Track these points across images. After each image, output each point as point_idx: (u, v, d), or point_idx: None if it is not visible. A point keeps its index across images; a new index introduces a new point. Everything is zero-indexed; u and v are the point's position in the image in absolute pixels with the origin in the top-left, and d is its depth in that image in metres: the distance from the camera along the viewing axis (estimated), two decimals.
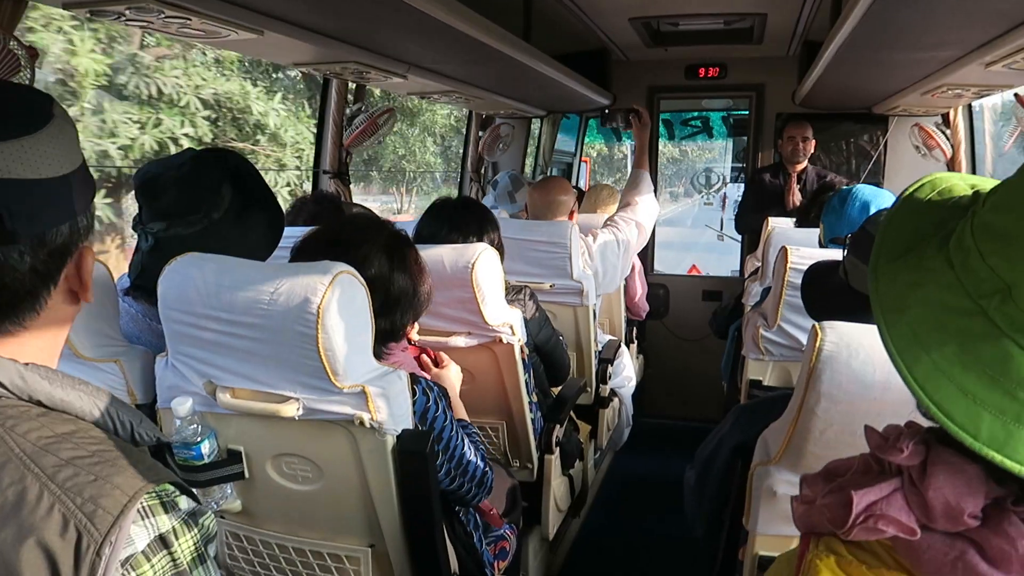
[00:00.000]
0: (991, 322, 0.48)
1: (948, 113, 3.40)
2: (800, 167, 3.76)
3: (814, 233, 2.31)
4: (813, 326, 1.07)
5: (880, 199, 1.99)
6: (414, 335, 1.99)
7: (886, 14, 1.74)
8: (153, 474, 0.66)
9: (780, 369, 2.01)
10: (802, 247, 1.88)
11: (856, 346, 1.04)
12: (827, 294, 1.19)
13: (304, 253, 1.46)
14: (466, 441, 1.50)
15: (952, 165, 3.45)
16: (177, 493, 0.67)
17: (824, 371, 1.04)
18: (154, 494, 0.65)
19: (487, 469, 1.55)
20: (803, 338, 1.91)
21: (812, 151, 3.75)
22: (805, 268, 1.80)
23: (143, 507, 0.63)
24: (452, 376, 1.74)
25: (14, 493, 0.60)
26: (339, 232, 1.50)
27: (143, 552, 0.63)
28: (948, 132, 3.44)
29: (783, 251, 1.85)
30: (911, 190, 0.62)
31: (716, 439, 1.47)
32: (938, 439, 0.53)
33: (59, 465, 0.63)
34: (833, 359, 1.04)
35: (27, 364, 0.68)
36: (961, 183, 0.61)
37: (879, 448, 0.57)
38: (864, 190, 2.06)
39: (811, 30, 3.28)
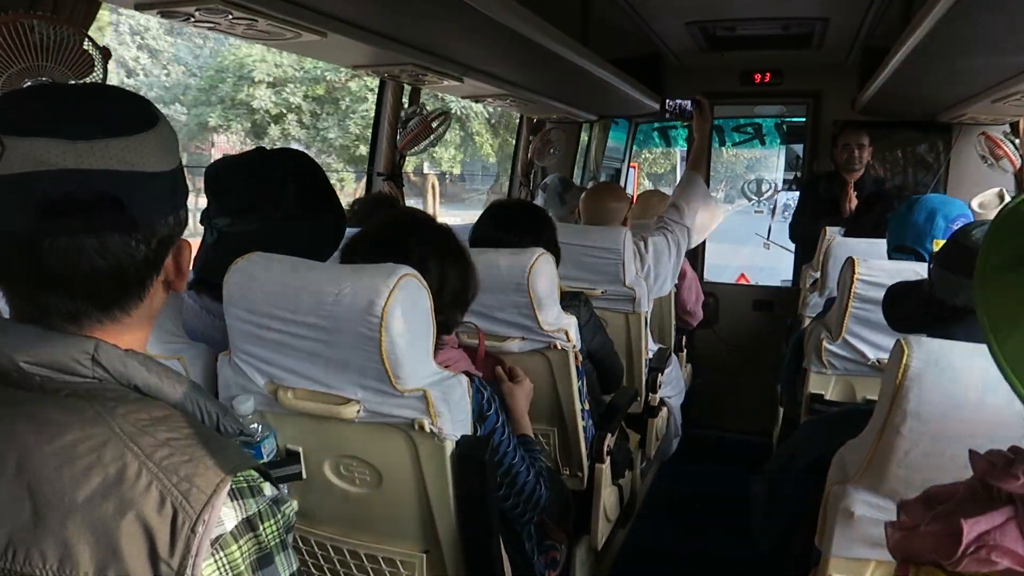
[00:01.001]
0: None
1: (1018, 122, 3.28)
2: (857, 175, 3.67)
3: (876, 244, 2.25)
4: (898, 341, 1.03)
5: (948, 208, 1.92)
6: (465, 338, 2.00)
7: (964, 18, 1.68)
8: (241, 459, 0.70)
9: (843, 383, 1.94)
10: (870, 259, 1.82)
11: (945, 364, 0.99)
12: (910, 309, 1.15)
13: (354, 253, 1.46)
14: (519, 452, 1.48)
15: (1021, 175, 3.33)
16: (262, 480, 0.71)
17: (911, 389, 0.99)
18: (242, 478, 0.68)
19: (542, 489, 1.51)
20: (869, 352, 1.85)
21: (868, 159, 3.66)
22: (873, 280, 1.75)
23: (233, 489, 0.66)
24: (524, 392, 1.72)
25: (115, 469, 0.64)
26: (386, 230, 1.50)
27: (232, 533, 0.66)
28: (1017, 141, 3.32)
29: (850, 262, 1.79)
30: (1018, 201, 0.58)
31: (788, 453, 1.43)
32: None
33: (156, 445, 0.66)
34: (921, 377, 0.99)
35: (128, 351, 0.73)
36: None
37: (989, 474, 0.53)
38: (932, 198, 1.99)
39: (874, 35, 3.19)
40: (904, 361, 1.00)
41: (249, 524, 0.67)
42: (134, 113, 0.72)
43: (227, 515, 0.65)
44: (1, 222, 0.67)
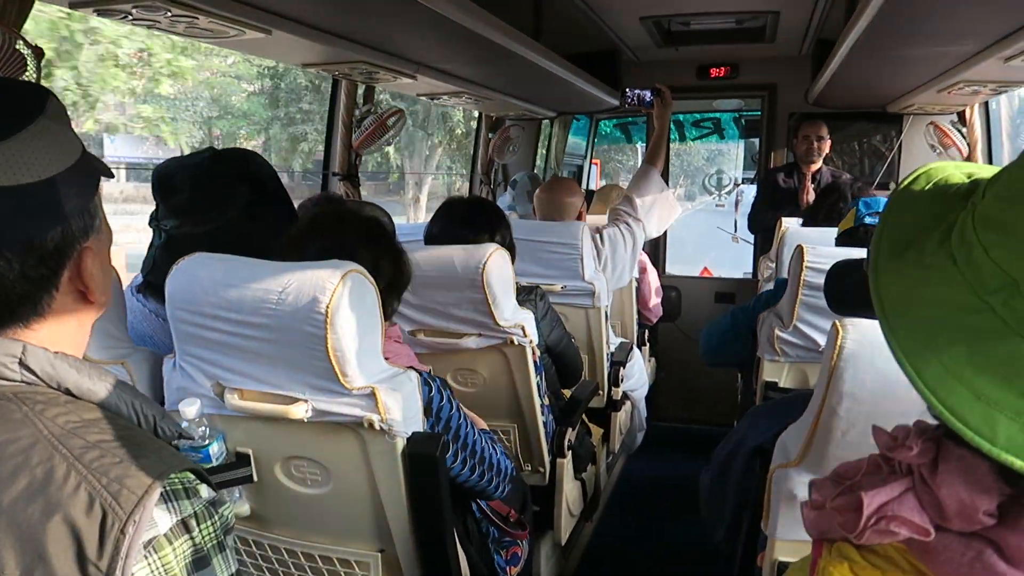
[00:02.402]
0: (1000, 319, 0.45)
1: (964, 111, 3.36)
2: (815, 167, 3.72)
3: (829, 232, 2.28)
4: (834, 323, 1.04)
5: (880, 204, 1.97)
6: (421, 336, 1.99)
7: (903, 7, 1.71)
8: (176, 461, 0.69)
9: (796, 370, 1.97)
10: (818, 246, 1.84)
11: (880, 344, 0.99)
12: (850, 290, 1.16)
13: (287, 250, 1.43)
14: (482, 436, 1.49)
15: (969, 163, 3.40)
16: (198, 481, 0.69)
17: (846, 369, 1.01)
18: (176, 479, 0.67)
19: (507, 461, 1.55)
20: (820, 339, 1.88)
21: (827, 151, 3.71)
22: (821, 267, 1.78)
23: (166, 490, 0.65)
24: None
25: (43, 471, 0.63)
26: (315, 224, 1.48)
27: (165, 535, 0.65)
28: (964, 130, 3.39)
29: (799, 250, 1.82)
30: (906, 182, 0.59)
31: (733, 441, 1.44)
32: (948, 435, 0.50)
33: (86, 447, 0.65)
34: (856, 357, 1.01)
35: (56, 353, 0.70)
36: (957, 172, 0.58)
37: (888, 447, 0.54)
38: (869, 199, 2.03)
39: (825, 28, 3.24)
40: (839, 343, 1.02)
41: (184, 526, 0.66)
42: (12, 122, 0.66)
43: (160, 517, 0.64)
44: None
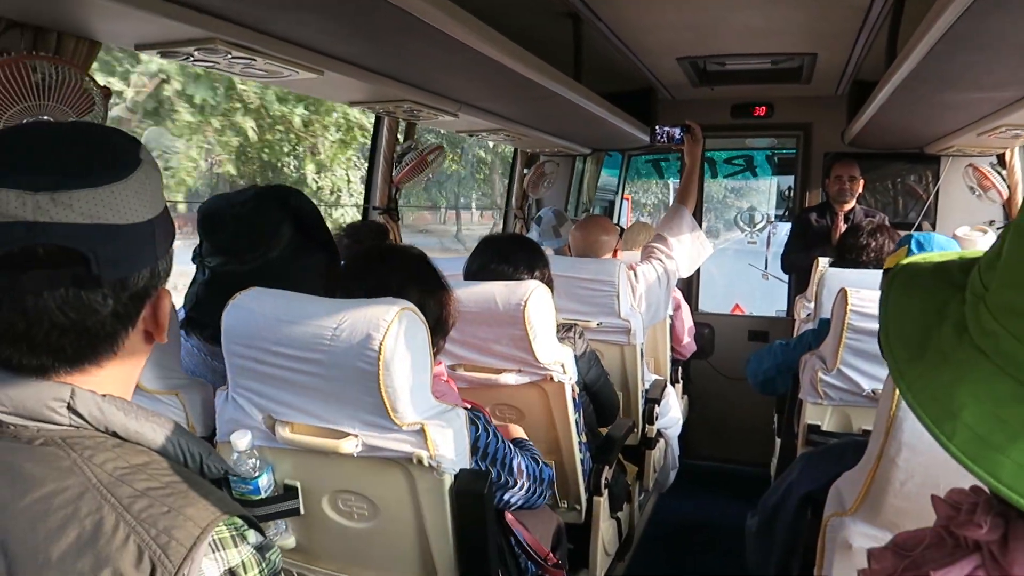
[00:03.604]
0: None
1: (1004, 153, 3.34)
2: (847, 207, 3.71)
3: (870, 274, 2.27)
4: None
5: (934, 242, 1.96)
6: (461, 371, 2.00)
7: (946, 55, 1.72)
8: (223, 506, 0.68)
9: (840, 414, 1.95)
10: (861, 289, 1.83)
11: None
12: None
13: (334, 286, 1.45)
14: (520, 452, 1.52)
15: (1009, 206, 3.37)
16: (246, 527, 0.69)
17: (905, 419, 1.00)
18: (224, 527, 0.66)
19: (547, 468, 1.61)
20: (864, 382, 1.86)
21: (859, 191, 3.70)
22: (865, 311, 1.77)
23: (214, 540, 0.65)
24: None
25: (91, 523, 0.62)
26: (362, 261, 1.50)
27: None
28: (1004, 173, 3.37)
29: (842, 293, 1.81)
30: (887, 290, 0.58)
31: (784, 486, 1.43)
32: (1018, 512, 0.49)
33: (134, 496, 0.64)
34: None
35: (104, 395, 0.70)
36: (925, 263, 0.58)
37: (951, 521, 0.53)
38: (923, 235, 2.02)
39: (862, 69, 3.25)
40: (897, 391, 1.01)
41: (232, 575, 0.65)
42: (109, 160, 0.69)
43: (208, 567, 0.64)
44: None
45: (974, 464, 0.46)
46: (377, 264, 1.49)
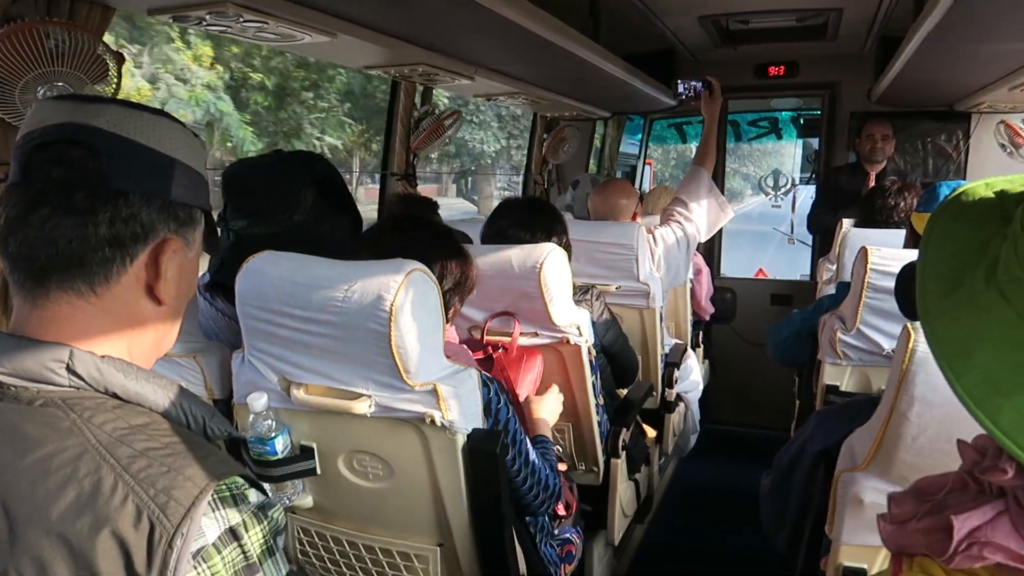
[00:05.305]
0: None
1: None
2: (879, 167, 3.63)
3: (892, 234, 2.23)
4: (905, 326, 1.02)
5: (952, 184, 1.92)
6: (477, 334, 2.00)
7: (978, 2, 1.66)
8: (223, 467, 0.68)
9: (859, 374, 1.93)
10: (883, 247, 1.80)
11: None
12: None
13: (360, 251, 1.46)
14: (533, 448, 1.50)
15: None
16: (246, 486, 0.68)
17: (918, 373, 0.99)
18: (224, 487, 0.66)
19: (556, 479, 1.55)
20: (883, 342, 1.83)
21: (891, 151, 3.62)
22: (886, 269, 1.74)
23: (213, 499, 0.65)
24: (549, 406, 1.77)
25: (90, 483, 0.63)
26: (387, 226, 1.55)
27: (214, 544, 0.64)
28: None
29: (863, 252, 1.78)
30: (935, 217, 0.56)
31: (797, 444, 1.42)
32: None
33: (133, 456, 0.65)
34: (928, 361, 0.98)
35: (103, 357, 0.70)
36: (985, 190, 0.55)
37: (977, 467, 0.52)
38: (950, 184, 1.97)
39: (889, 24, 3.16)
40: (910, 346, 1.00)
41: (233, 534, 0.65)
42: (158, 112, 0.76)
43: (208, 527, 0.64)
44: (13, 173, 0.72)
45: (977, 408, 0.45)
46: (408, 226, 1.53)
